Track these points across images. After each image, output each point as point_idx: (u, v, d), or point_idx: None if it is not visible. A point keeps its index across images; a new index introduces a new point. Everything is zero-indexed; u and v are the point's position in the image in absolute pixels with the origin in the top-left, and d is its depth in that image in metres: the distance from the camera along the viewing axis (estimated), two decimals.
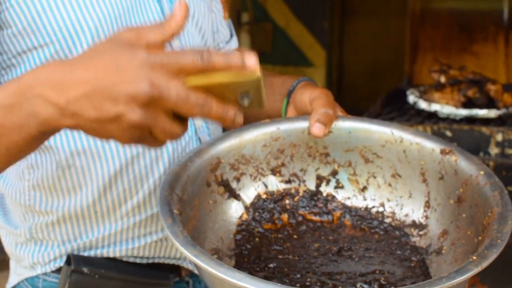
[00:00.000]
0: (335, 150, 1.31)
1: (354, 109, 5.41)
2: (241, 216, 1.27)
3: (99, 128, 0.96)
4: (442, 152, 1.23)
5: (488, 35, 3.62)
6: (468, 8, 3.65)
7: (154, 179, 1.36)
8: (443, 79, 3.10)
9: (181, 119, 0.98)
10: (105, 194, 1.34)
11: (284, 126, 1.31)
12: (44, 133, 1.01)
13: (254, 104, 0.98)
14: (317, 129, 1.24)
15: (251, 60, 0.93)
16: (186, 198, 1.14)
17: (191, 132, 1.41)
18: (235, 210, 1.27)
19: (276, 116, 1.44)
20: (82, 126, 0.97)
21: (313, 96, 1.32)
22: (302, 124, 1.30)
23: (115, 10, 1.28)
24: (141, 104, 0.92)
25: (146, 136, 0.97)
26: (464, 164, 1.19)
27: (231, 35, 1.76)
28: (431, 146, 1.25)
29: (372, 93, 6.21)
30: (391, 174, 1.29)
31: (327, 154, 1.32)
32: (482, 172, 1.15)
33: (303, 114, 1.34)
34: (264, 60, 5.86)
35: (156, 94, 0.92)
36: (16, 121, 0.99)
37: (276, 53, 6.00)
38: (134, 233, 1.39)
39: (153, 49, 0.94)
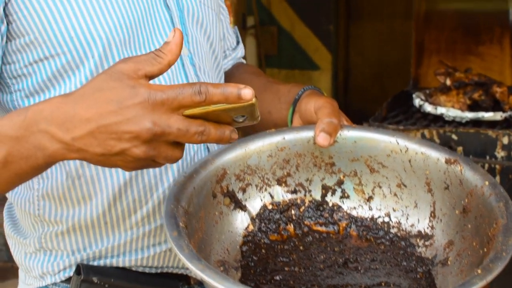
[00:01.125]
0: (341, 160, 1.31)
1: (361, 111, 5.43)
2: (247, 227, 1.27)
3: (105, 160, 1.02)
4: (447, 161, 1.23)
5: (493, 37, 3.60)
6: (473, 9, 3.64)
7: (163, 189, 1.36)
8: (448, 82, 3.09)
9: (180, 143, 1.04)
10: (115, 204, 1.34)
11: (290, 136, 1.31)
12: (51, 163, 1.06)
13: (248, 121, 1.04)
14: (322, 139, 1.25)
15: (247, 93, 0.99)
16: (192, 210, 1.14)
17: None
18: (241, 221, 1.27)
19: (282, 124, 1.46)
20: (88, 159, 1.02)
21: (318, 105, 1.32)
22: (308, 134, 1.30)
23: (125, 19, 1.29)
24: (144, 141, 0.98)
25: (149, 163, 1.03)
26: (469, 174, 1.19)
27: (238, 42, 1.77)
28: (436, 156, 1.25)
29: (378, 95, 6.21)
30: (397, 184, 1.29)
31: (332, 164, 1.32)
32: (487, 183, 1.15)
33: (308, 123, 1.35)
34: (270, 63, 5.95)
35: (158, 131, 0.98)
36: (23, 152, 1.04)
37: (282, 56, 6.00)
38: (143, 243, 1.39)
39: (153, 86, 0.98)
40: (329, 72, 6.04)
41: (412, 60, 3.63)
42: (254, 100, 1.00)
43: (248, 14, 5.53)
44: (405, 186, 1.28)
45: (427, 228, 1.26)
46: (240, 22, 3.75)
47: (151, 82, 1.02)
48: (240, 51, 1.77)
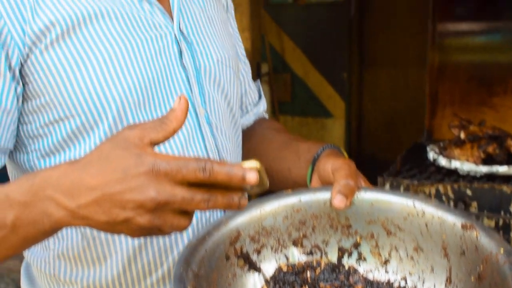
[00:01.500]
0: (357, 222, 1.31)
1: (373, 158, 5.38)
2: None
3: (110, 228, 1.01)
4: (463, 227, 1.22)
5: (507, 88, 3.60)
6: (487, 61, 3.64)
7: (178, 251, 1.36)
8: (462, 135, 3.08)
9: (188, 212, 1.02)
10: (130, 266, 1.34)
11: (306, 197, 1.31)
12: (57, 228, 1.06)
13: (257, 188, 1.03)
14: (339, 201, 1.24)
15: (252, 177, 0.97)
16: (203, 273, 1.13)
17: None
18: (254, 283, 1.26)
19: (302, 182, 1.46)
20: (93, 226, 1.02)
21: (335, 166, 1.32)
22: (324, 195, 1.30)
23: (140, 80, 1.29)
24: (148, 210, 0.97)
25: (154, 231, 1.02)
26: (485, 241, 1.18)
27: (260, 97, 1.78)
28: (453, 220, 1.24)
29: (391, 141, 6.21)
30: (413, 247, 1.28)
31: (349, 226, 1.31)
32: (502, 250, 1.14)
33: (326, 183, 1.35)
34: (283, 110, 5.95)
35: (162, 200, 0.97)
36: (31, 217, 1.04)
37: (296, 103, 6.01)
38: None
39: (158, 156, 0.98)
40: (342, 119, 6.04)
41: (426, 111, 3.62)
42: (259, 167, 0.99)
43: (262, 61, 5.56)
44: (421, 250, 1.27)
45: None
46: (254, 71, 3.76)
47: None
48: (262, 105, 1.77)
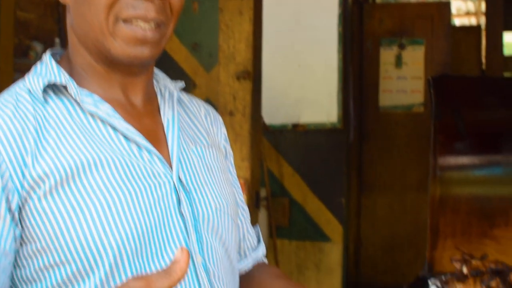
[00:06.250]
0: None
1: (372, 283, 5.34)
2: None
3: None
4: None
5: (508, 220, 3.59)
6: (488, 194, 3.64)
7: None
8: (465, 270, 3.03)
9: None
10: None
11: None
12: None
13: None
14: None
15: None
16: None
17: None
18: None
19: None
20: None
21: None
22: None
23: (138, 229, 1.28)
24: None
25: None
26: None
27: (258, 241, 1.75)
28: None
29: (390, 266, 6.16)
30: None
31: None
32: None
33: None
34: (281, 234, 5.95)
35: None
36: None
37: (293, 228, 6.00)
38: None
39: None
40: (340, 244, 6.01)
41: (427, 244, 3.59)
42: None
43: (260, 186, 5.57)
44: None
45: None
46: (253, 200, 3.75)
47: None
48: (261, 250, 1.74)
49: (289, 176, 5.94)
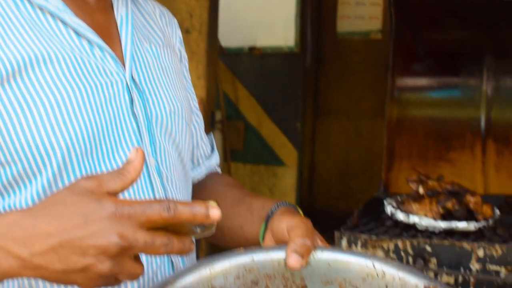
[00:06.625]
0: (313, 283, 1.22)
1: (325, 208, 5.38)
2: None
3: (64, 278, 0.97)
4: None
5: (465, 143, 3.59)
6: (445, 116, 3.64)
7: None
8: (421, 190, 3.03)
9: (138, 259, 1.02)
10: None
11: (259, 257, 1.22)
12: (3, 280, 1.00)
13: (206, 232, 1.05)
14: (294, 261, 1.16)
15: (215, 213, 0.99)
16: None
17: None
18: None
19: (254, 240, 1.39)
20: (45, 277, 0.97)
21: (291, 224, 1.25)
22: (278, 255, 1.20)
23: (88, 128, 1.22)
24: (110, 256, 0.95)
25: (110, 281, 0.99)
26: None
27: (212, 150, 1.71)
28: (415, 282, 1.17)
29: (342, 192, 6.21)
30: None
31: (304, 286, 1.22)
32: None
33: (280, 242, 1.27)
34: (235, 158, 5.92)
35: (125, 245, 0.95)
36: None
37: (248, 151, 6.01)
38: None
39: (119, 200, 0.96)
40: (294, 168, 6.04)
41: (383, 164, 3.59)
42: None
43: (216, 109, 5.54)
44: None
45: None
46: (209, 120, 3.70)
47: None
48: (215, 159, 1.70)
49: (244, 99, 5.91)
